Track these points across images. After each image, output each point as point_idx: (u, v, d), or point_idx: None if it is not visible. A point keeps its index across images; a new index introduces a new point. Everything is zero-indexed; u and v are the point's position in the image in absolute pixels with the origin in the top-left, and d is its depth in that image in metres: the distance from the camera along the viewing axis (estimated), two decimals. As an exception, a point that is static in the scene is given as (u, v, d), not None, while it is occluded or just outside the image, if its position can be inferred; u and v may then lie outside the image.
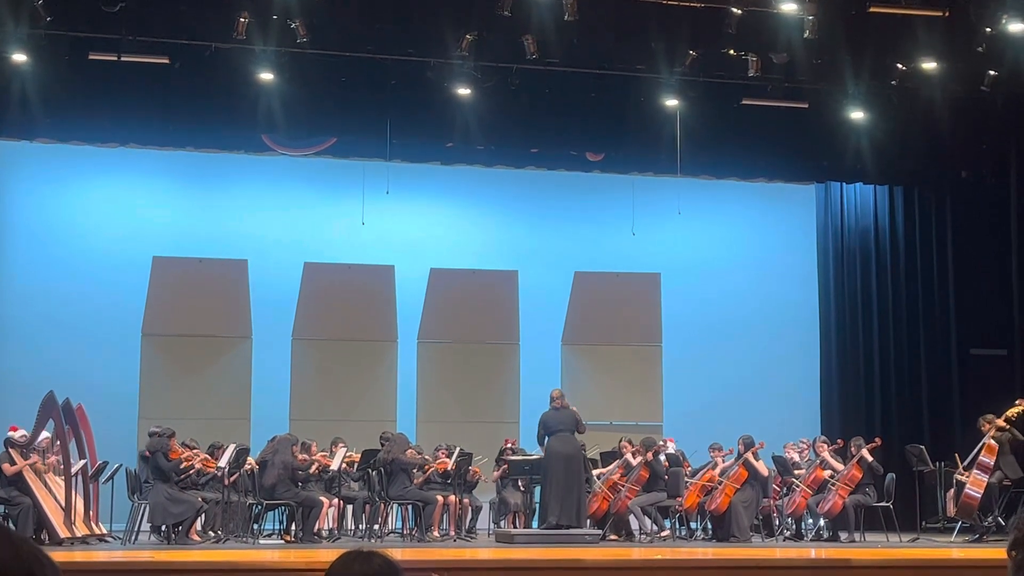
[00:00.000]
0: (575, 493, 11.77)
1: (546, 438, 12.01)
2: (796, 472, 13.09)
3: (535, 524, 12.36)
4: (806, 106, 14.78)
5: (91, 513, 11.83)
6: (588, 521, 12.94)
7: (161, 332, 15.20)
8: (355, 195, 15.66)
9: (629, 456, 12.98)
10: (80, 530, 11.27)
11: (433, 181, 16.66)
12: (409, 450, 12.62)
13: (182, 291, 15.34)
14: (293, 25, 12.91)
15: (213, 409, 14.88)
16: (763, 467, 12.70)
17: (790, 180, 17.05)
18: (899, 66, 14.10)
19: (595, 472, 13.26)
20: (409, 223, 16.72)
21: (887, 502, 12.75)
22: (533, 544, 11.16)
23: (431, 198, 16.88)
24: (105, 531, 12.09)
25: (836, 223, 17.02)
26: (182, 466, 11.63)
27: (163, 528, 11.50)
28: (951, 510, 12.65)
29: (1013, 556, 3.28)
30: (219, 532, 12.01)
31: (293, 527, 12.15)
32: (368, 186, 15.60)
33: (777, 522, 13.10)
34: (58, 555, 8.48)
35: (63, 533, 10.89)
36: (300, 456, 12.23)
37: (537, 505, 12.37)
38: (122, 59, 13.19)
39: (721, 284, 17.22)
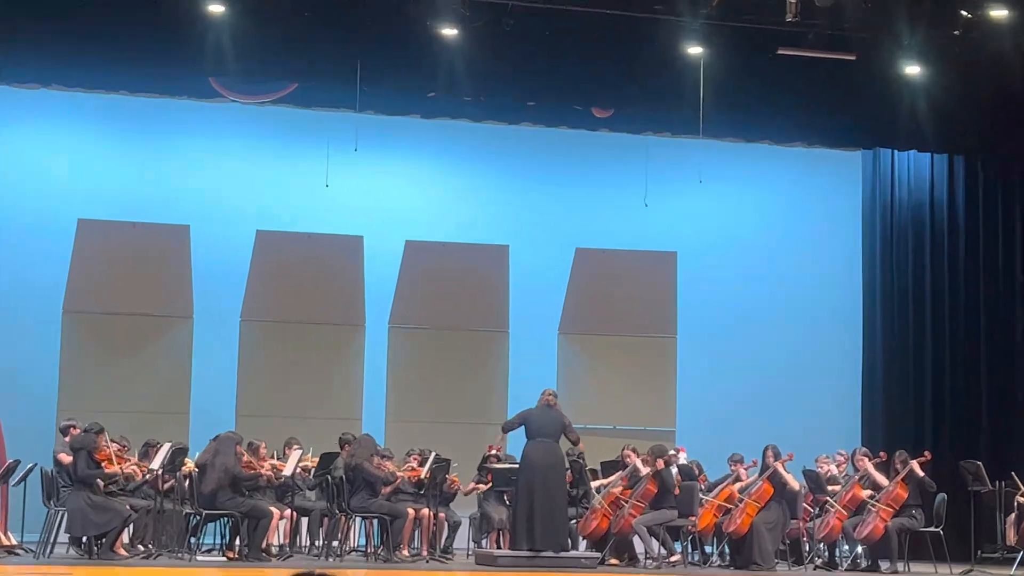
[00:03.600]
0: (557, 512, 11.75)
1: (521, 437, 11.99)
2: (831, 489, 13.10)
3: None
4: (853, 58, 14.74)
5: (-1, 521, 11.84)
6: (585, 542, 12.95)
7: (86, 309, 15.14)
8: (318, 152, 15.58)
9: (639, 464, 12.97)
10: (-14, 541, 11.26)
11: (410, 137, 16.58)
12: (376, 458, 12.60)
13: (112, 261, 15.27)
14: (248, -51, 12.86)
15: (146, 401, 14.83)
16: (792, 482, 12.71)
17: (832, 145, 17.03)
18: (963, 13, 14.06)
19: (594, 484, 13.27)
20: (381, 186, 16.63)
21: (936, 527, 12.77)
22: (519, 568, 11.17)
23: (408, 157, 16.80)
24: (15, 542, 12.07)
25: (886, 197, 16.99)
26: (108, 469, 11.60)
27: (84, 540, 11.48)
28: (1012, 538, 12.68)
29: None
30: (150, 546, 11.99)
31: (237, 542, 12.15)
32: (334, 141, 15.49)
33: (807, 548, 13.11)
34: (-42, 570, 8.46)
35: (-35, 544, 10.86)
36: (245, 459, 12.20)
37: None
38: (45, -16, 13.14)
39: (748, 266, 17.21)
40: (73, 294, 15.10)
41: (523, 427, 12.09)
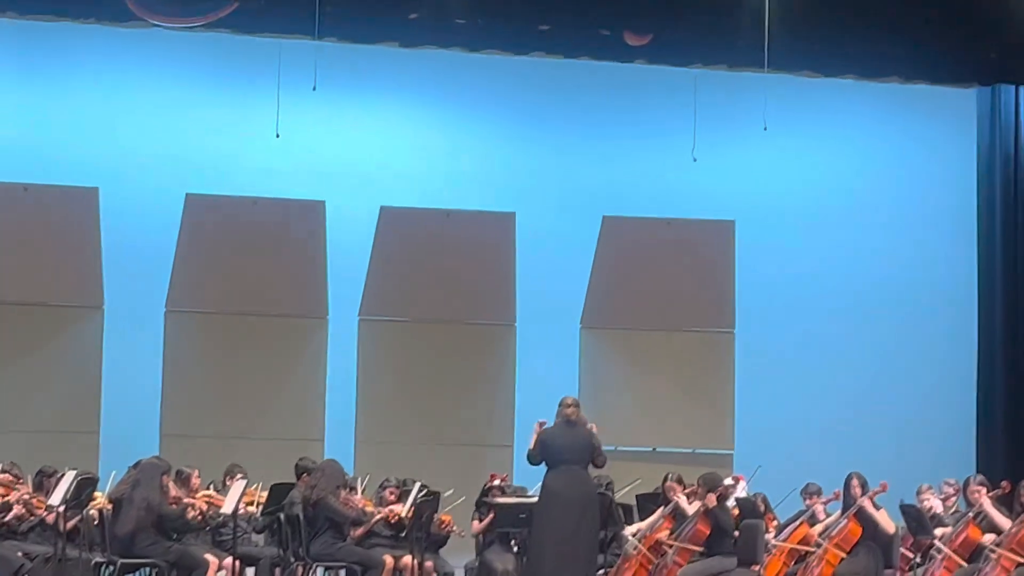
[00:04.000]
0: (585, 559, 11.67)
1: (544, 468, 11.89)
2: (938, 531, 13.05)
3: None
4: (965, -34, 14.74)
5: None
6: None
7: (-36, 297, 15.16)
8: (266, 92, 15.59)
9: (681, 500, 12.94)
10: None
11: (385, 73, 16.58)
12: (343, 491, 12.56)
13: (-3, 235, 15.29)
14: None
15: (42, 417, 14.84)
16: (885, 522, 12.66)
17: (938, 81, 17.00)
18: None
19: (630, 529, 13.23)
20: (348, 137, 16.65)
21: (1076, 578, 12.72)
22: (531, 632, 11.17)
23: (382, 99, 16.83)
24: None
25: (1008, 148, 16.98)
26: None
27: (-37, 598, 11.47)
28: None
29: None
30: (49, 606, 11.97)
31: (163, 600, 12.13)
32: (286, 79, 15.47)
33: (906, 606, 13.10)
34: None
35: None
36: (173, 493, 12.17)
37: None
38: None
39: (826, 240, 17.22)
40: (-53, 278, 15.11)
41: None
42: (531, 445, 11.95)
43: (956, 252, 17.13)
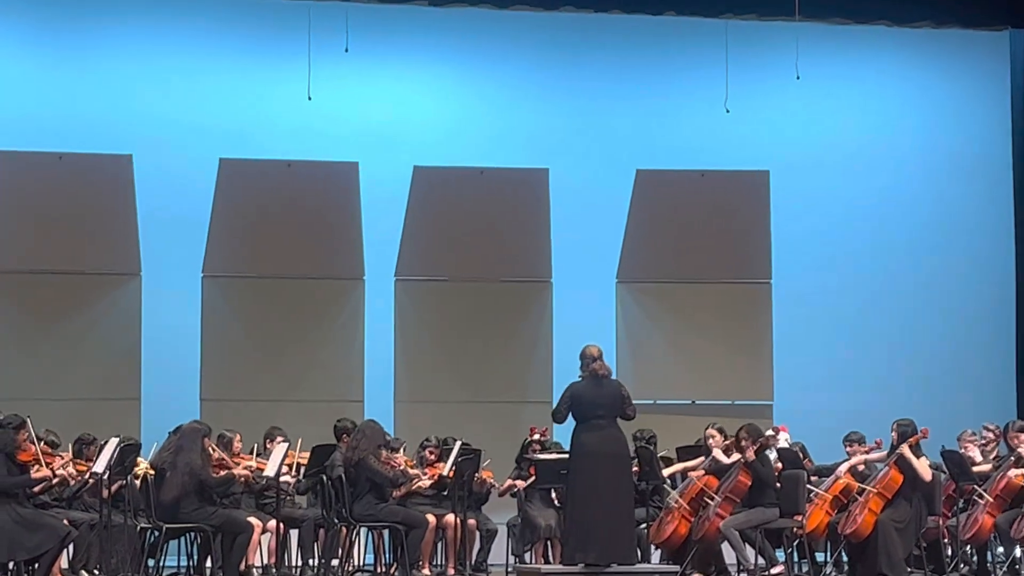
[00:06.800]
0: (622, 515, 11.62)
1: (574, 424, 11.79)
2: (978, 470, 13.00)
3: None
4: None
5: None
6: (658, 552, 12.90)
7: (1, 267, 15.14)
8: (297, 55, 15.58)
9: (719, 453, 12.92)
10: None
11: (417, 32, 16.53)
12: (384, 451, 12.56)
13: (33, 204, 15.22)
14: None
15: (83, 383, 14.85)
16: (924, 469, 12.61)
17: (970, 24, 16.90)
18: None
19: (667, 471, 13.21)
20: (380, 97, 16.60)
21: (1120, 522, 12.66)
22: (574, 587, 11.17)
23: (414, 59, 16.76)
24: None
25: (1043, 91, 16.90)
26: (35, 474, 11.58)
27: (11, 566, 11.50)
28: None
29: None
30: (96, 572, 11.98)
31: (209, 563, 12.16)
32: (317, 40, 15.48)
33: (950, 552, 13.04)
34: None
35: None
36: (216, 457, 12.21)
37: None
38: None
39: (861, 187, 17.13)
40: (-16, 249, 15.13)
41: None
42: (558, 403, 11.75)
43: (991, 197, 17.05)
